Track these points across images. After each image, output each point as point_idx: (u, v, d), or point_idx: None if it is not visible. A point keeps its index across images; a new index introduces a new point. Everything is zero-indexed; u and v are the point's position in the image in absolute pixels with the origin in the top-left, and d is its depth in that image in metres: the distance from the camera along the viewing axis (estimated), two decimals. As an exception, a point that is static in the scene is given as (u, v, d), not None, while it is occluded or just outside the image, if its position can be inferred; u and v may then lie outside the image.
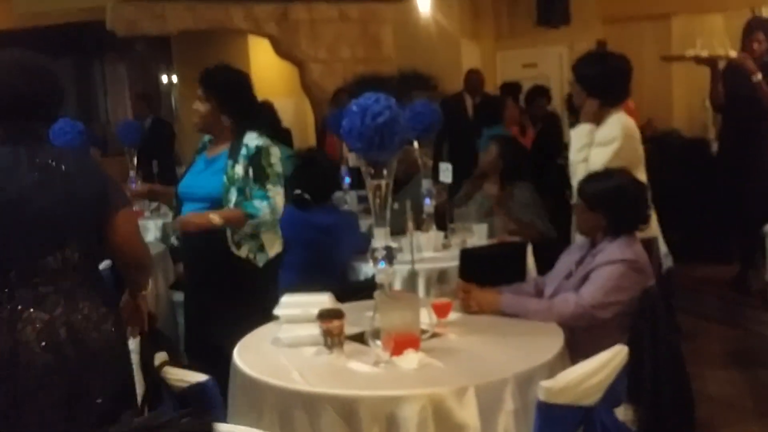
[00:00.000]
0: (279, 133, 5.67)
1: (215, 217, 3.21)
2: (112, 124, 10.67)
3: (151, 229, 5.61)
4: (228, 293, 3.30)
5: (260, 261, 3.37)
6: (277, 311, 2.63)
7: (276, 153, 3.40)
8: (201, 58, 9.55)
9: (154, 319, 4.01)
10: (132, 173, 6.37)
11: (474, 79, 8.00)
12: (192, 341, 3.50)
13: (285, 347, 2.55)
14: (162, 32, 8.43)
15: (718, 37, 5.02)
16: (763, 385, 4.27)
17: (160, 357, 2.40)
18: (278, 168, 3.37)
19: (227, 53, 9.87)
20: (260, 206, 3.28)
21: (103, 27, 8.07)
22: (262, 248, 3.37)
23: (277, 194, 3.33)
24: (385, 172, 2.50)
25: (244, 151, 3.33)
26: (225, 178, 3.31)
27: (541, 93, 7.61)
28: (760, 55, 4.85)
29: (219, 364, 2.56)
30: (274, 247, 3.42)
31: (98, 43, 10.50)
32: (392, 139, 2.44)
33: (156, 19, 8.15)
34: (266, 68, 9.92)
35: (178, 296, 4.77)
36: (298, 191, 4.14)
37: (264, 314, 2.77)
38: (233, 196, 3.30)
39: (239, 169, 3.31)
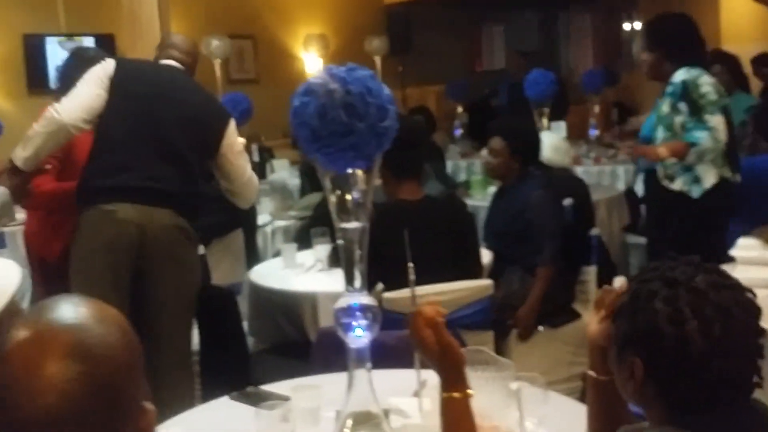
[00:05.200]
0: (739, 81, 5.43)
1: (662, 150, 3.43)
2: (575, 73, 11.05)
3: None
4: (668, 229, 3.47)
5: (694, 193, 3.43)
6: (733, 252, 2.69)
7: (706, 81, 3.41)
8: (666, 4, 9.41)
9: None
10: (592, 120, 6.67)
11: None
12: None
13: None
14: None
15: None
16: None
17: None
18: (712, 96, 3.39)
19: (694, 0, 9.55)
20: (700, 135, 3.36)
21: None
22: (696, 180, 3.42)
23: (717, 122, 3.37)
24: None
25: (669, 88, 3.45)
26: (655, 118, 3.52)
27: None
28: None
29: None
30: (710, 178, 3.42)
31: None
32: None
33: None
34: (737, 13, 9.37)
35: (631, 238, 4.98)
36: None
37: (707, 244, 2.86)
38: (660, 133, 3.48)
39: (665, 107, 3.47)
